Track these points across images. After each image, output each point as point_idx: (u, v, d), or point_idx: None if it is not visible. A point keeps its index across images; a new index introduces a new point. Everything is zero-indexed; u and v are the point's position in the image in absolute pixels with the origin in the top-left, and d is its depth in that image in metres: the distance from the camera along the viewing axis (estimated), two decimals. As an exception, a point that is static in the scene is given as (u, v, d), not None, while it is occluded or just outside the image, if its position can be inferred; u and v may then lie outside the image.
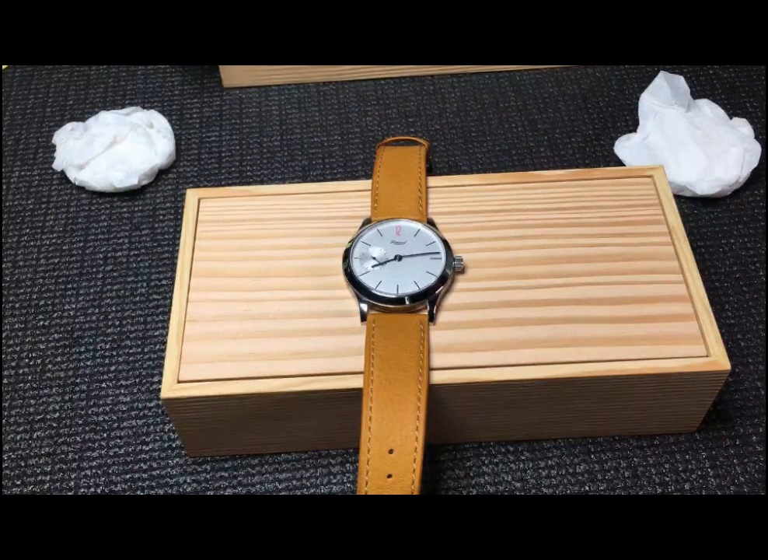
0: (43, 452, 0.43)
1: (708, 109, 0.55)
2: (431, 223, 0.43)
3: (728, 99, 0.58)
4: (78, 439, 0.44)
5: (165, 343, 0.47)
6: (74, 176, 0.54)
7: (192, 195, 0.45)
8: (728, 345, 0.46)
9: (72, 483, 0.42)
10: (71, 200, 0.54)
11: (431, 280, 0.40)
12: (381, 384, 0.37)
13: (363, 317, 0.40)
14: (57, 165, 0.55)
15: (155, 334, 0.47)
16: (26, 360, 0.47)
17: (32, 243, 0.52)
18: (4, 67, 0.62)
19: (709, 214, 0.52)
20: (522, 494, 0.41)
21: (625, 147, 0.54)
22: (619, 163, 0.55)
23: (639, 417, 0.41)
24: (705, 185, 0.51)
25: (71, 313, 0.48)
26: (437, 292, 0.40)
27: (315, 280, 0.42)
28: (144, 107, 0.59)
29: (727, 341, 0.46)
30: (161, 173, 0.55)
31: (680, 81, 0.54)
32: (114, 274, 0.50)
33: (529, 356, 0.38)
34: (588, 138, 0.57)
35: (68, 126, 0.56)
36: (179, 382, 0.38)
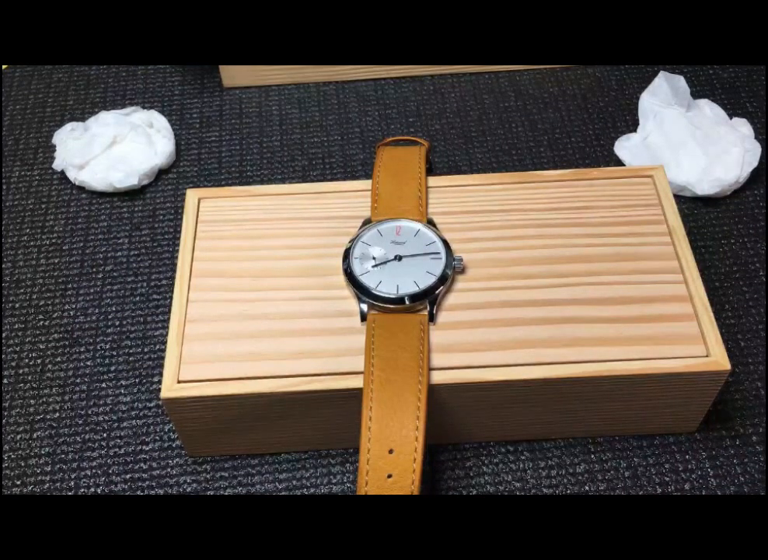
0: (43, 452, 0.43)
1: (708, 109, 0.55)
2: (431, 223, 0.43)
3: (728, 99, 0.58)
4: (78, 439, 0.44)
5: (165, 343, 0.46)
6: (74, 176, 0.54)
7: (192, 195, 0.45)
8: (728, 345, 0.46)
9: (72, 483, 0.42)
10: (71, 200, 0.54)
11: (431, 280, 0.40)
12: (381, 384, 0.36)
13: (363, 317, 0.40)
14: (57, 165, 0.55)
15: (155, 334, 0.47)
16: (26, 360, 0.47)
17: (32, 243, 0.52)
18: (4, 67, 0.62)
19: (709, 214, 0.52)
20: (522, 494, 0.41)
21: (625, 147, 0.54)
22: (619, 163, 0.55)
23: (639, 417, 0.41)
24: (705, 185, 0.51)
25: (71, 313, 0.48)
26: (437, 292, 0.40)
27: (315, 280, 0.42)
28: (144, 107, 0.59)
29: (727, 341, 0.46)
30: (161, 173, 0.55)
31: (680, 81, 0.54)
32: (114, 274, 0.50)
33: (529, 356, 0.38)
34: (588, 138, 0.57)
35: (68, 126, 0.56)
36: (179, 382, 0.38)
